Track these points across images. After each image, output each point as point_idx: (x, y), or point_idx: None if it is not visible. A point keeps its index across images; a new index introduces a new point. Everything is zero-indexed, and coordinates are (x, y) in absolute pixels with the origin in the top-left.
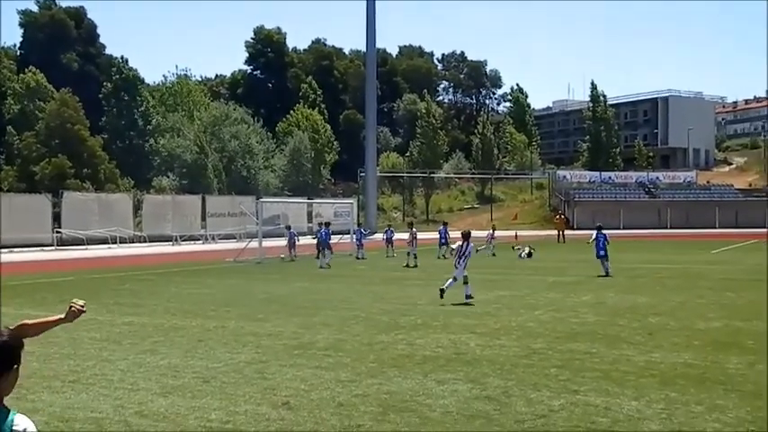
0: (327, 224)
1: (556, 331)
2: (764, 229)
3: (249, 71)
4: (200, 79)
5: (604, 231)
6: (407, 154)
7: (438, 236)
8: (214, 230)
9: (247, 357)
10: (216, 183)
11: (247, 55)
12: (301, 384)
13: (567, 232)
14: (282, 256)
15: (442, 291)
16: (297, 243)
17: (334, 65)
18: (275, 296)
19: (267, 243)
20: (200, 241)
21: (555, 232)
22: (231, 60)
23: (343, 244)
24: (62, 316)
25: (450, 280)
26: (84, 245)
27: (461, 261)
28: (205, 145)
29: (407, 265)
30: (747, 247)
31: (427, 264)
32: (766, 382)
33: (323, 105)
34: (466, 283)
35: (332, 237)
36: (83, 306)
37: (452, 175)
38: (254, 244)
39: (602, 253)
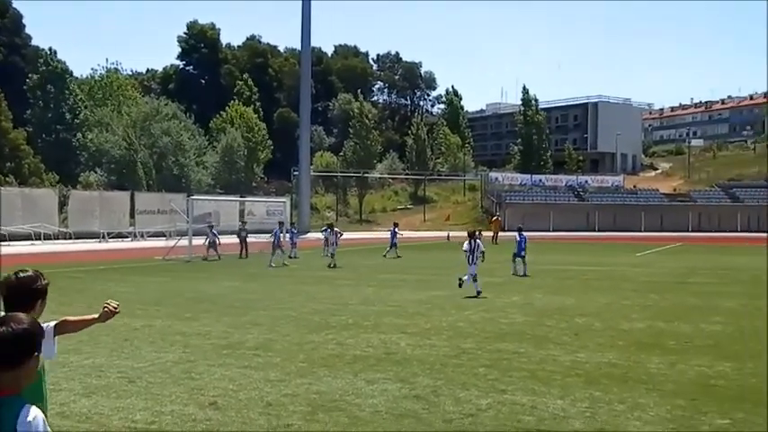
0: (281, 223)
1: (485, 331)
2: (688, 233)
3: (182, 66)
4: (130, 73)
5: (525, 233)
6: (341, 153)
7: (389, 236)
8: (143, 228)
9: (174, 357)
10: (146, 179)
11: (180, 50)
12: (229, 384)
13: (499, 234)
14: (203, 255)
15: (460, 283)
16: (219, 243)
17: (268, 62)
18: (205, 295)
19: (198, 241)
20: (129, 239)
21: (490, 233)
22: (163, 55)
23: None
24: (96, 316)
25: (468, 278)
26: (5, 241)
27: (473, 259)
28: (135, 140)
29: (331, 266)
30: (671, 250)
31: (359, 264)
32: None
33: (258, 103)
34: (475, 280)
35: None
36: (116, 307)
37: (386, 176)
38: (184, 242)
39: (522, 254)
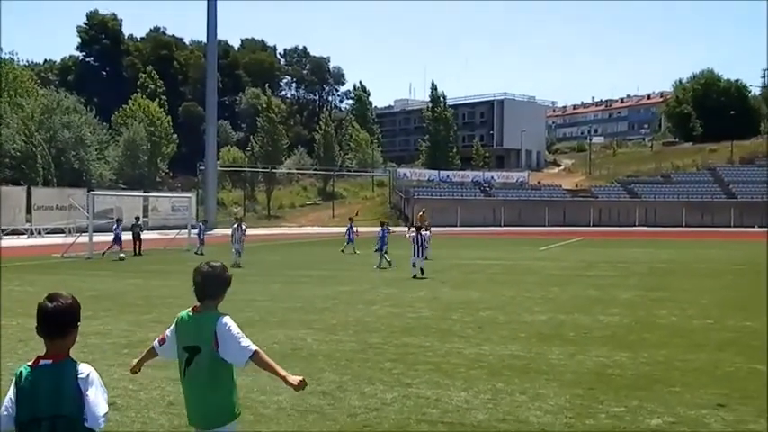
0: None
1: (392, 326)
2: (589, 228)
3: (81, 58)
4: (26, 64)
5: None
6: (249, 148)
7: (346, 232)
8: (41, 224)
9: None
10: (44, 174)
11: (80, 41)
12: (130, 384)
13: (401, 230)
14: (121, 253)
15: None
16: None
17: (173, 55)
18: (106, 293)
19: (100, 238)
20: (25, 235)
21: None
22: (62, 46)
23: (180, 239)
24: (286, 375)
25: (416, 263)
26: None
27: (420, 248)
28: (35, 134)
29: (235, 265)
30: (573, 245)
31: (267, 260)
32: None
33: (162, 97)
34: (414, 266)
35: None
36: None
37: (294, 171)
38: (84, 239)
39: (384, 247)
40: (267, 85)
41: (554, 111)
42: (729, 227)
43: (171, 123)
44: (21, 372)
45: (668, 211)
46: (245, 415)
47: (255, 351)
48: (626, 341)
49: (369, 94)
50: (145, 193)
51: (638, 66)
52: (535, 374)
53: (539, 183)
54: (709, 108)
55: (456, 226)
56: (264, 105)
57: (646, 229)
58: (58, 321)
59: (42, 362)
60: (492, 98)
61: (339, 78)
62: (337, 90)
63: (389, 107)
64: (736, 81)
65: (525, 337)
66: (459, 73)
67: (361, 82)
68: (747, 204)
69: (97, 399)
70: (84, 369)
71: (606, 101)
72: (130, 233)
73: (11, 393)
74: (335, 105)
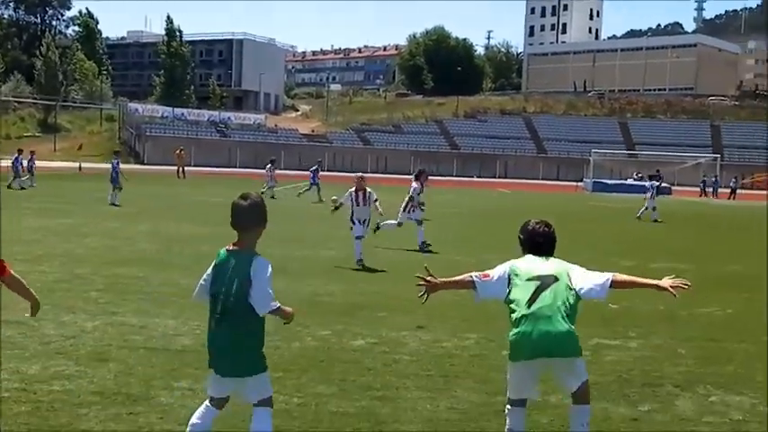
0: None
1: (105, 258)
2: (323, 173)
3: None
4: None
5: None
6: None
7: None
8: None
9: None
10: None
11: None
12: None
13: (136, 167)
14: None
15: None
16: None
17: None
18: None
19: None
20: None
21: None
22: None
23: None
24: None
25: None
26: None
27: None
28: None
29: None
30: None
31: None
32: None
33: None
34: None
35: None
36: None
37: (11, 99)
38: None
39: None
40: None
41: (294, 56)
42: (453, 176)
43: None
44: (219, 253)
45: (398, 159)
46: None
47: (610, 281)
48: (343, 275)
49: (97, 22)
50: None
51: (376, 17)
52: None
53: (276, 126)
54: (439, 63)
55: (191, 166)
56: None
57: (377, 176)
58: (245, 216)
59: (232, 248)
60: (231, 37)
61: (65, 2)
62: (63, 15)
63: (122, 38)
64: (464, 40)
65: None
66: (197, 8)
67: (87, 8)
68: (468, 155)
69: (261, 287)
70: (258, 261)
71: (345, 49)
72: None
73: (210, 269)
74: (60, 31)
